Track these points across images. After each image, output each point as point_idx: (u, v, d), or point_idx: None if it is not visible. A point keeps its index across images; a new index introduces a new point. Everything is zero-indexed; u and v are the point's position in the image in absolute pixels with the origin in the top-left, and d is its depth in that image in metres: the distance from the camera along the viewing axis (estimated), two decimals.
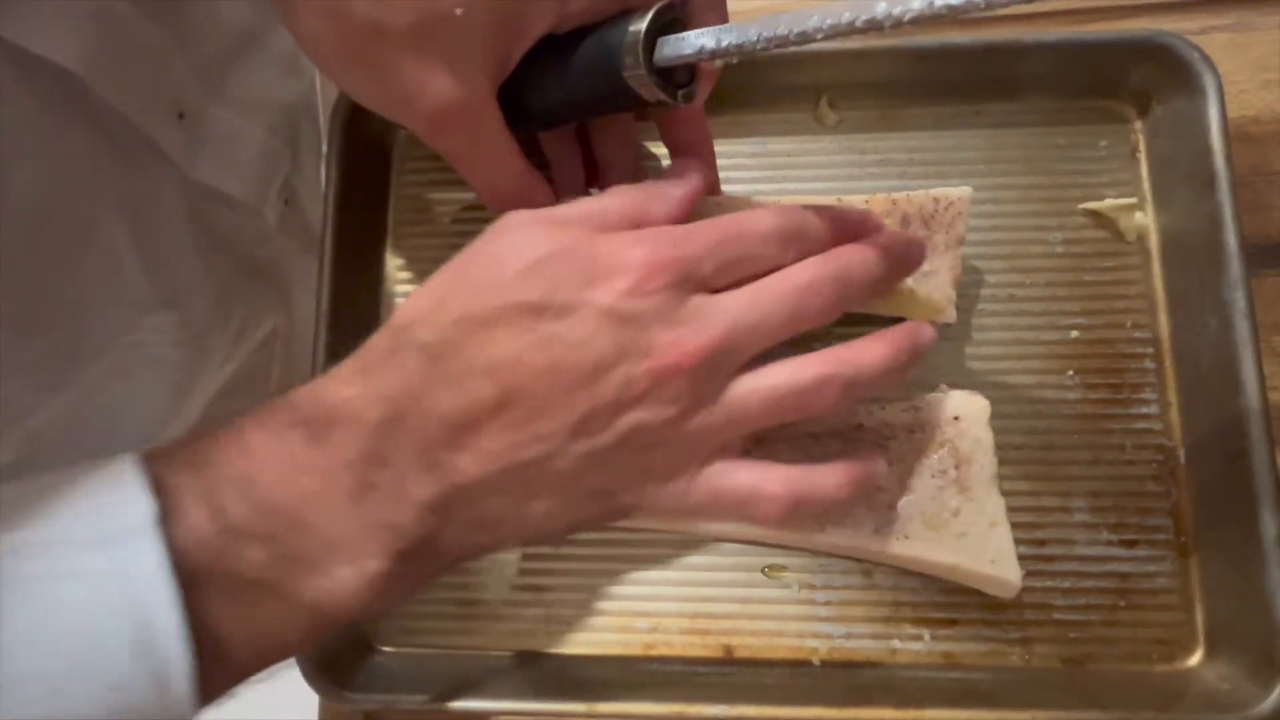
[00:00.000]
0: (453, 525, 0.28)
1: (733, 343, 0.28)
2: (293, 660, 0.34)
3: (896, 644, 0.34)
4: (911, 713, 0.32)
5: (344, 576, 0.26)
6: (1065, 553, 0.34)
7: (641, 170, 0.40)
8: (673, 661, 0.35)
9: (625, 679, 0.35)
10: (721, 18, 0.32)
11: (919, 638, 0.34)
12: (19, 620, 0.22)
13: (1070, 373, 0.36)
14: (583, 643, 0.36)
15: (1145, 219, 0.37)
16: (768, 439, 0.34)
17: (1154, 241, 0.37)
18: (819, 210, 0.30)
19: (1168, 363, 0.36)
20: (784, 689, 0.34)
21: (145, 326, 0.39)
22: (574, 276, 0.27)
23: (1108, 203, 0.37)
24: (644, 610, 0.36)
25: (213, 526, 0.25)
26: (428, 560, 0.28)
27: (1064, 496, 0.35)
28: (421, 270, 0.41)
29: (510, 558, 0.37)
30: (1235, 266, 0.34)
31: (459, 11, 0.29)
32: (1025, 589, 0.33)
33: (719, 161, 0.36)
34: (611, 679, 0.35)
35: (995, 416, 0.33)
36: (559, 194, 0.35)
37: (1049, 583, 0.34)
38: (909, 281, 0.34)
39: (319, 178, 0.52)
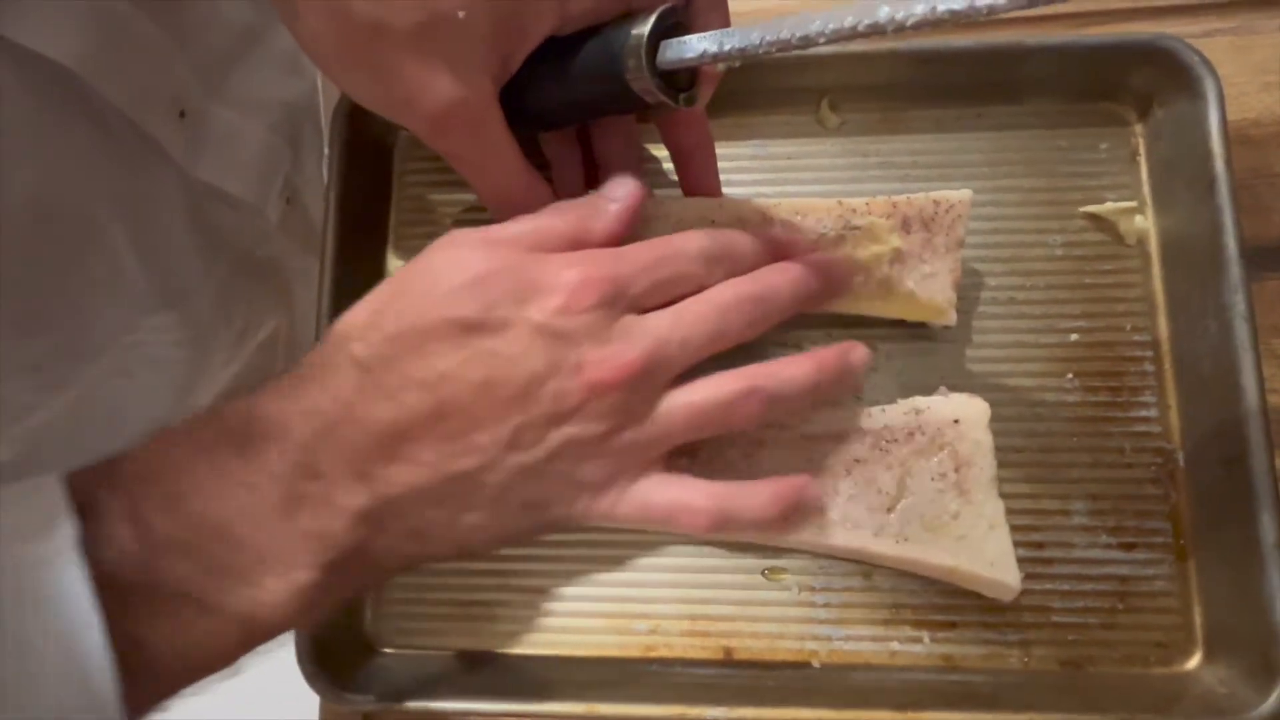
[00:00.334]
0: (384, 536, 0.28)
1: (660, 359, 0.29)
2: (293, 661, 0.34)
3: (896, 646, 0.34)
4: (910, 715, 0.32)
5: (273, 588, 0.26)
6: (1064, 555, 0.34)
7: (643, 171, 0.40)
8: (672, 663, 0.35)
9: (625, 681, 0.35)
10: (724, 20, 0.32)
11: (918, 640, 0.34)
12: None
13: (1070, 375, 0.36)
14: (582, 644, 0.36)
15: (1145, 222, 0.37)
16: (766, 442, 0.34)
17: (1154, 245, 0.37)
18: (747, 233, 0.32)
19: (1167, 366, 0.36)
20: (783, 691, 0.34)
21: (146, 326, 0.39)
22: (509, 294, 0.28)
23: (1108, 206, 0.37)
24: (643, 612, 0.36)
25: (138, 543, 0.25)
26: (358, 571, 0.28)
27: (1063, 499, 0.35)
28: None
29: (510, 559, 0.37)
30: (1235, 270, 0.34)
31: (462, 14, 0.29)
32: (1024, 591, 0.33)
33: (720, 164, 0.36)
34: (611, 681, 0.35)
35: (994, 419, 0.33)
36: (558, 194, 0.35)
37: (1048, 585, 0.34)
38: (909, 283, 0.34)
39: (321, 177, 0.51)
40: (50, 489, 0.25)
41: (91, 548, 0.24)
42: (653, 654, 0.35)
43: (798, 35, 0.26)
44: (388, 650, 0.37)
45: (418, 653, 0.37)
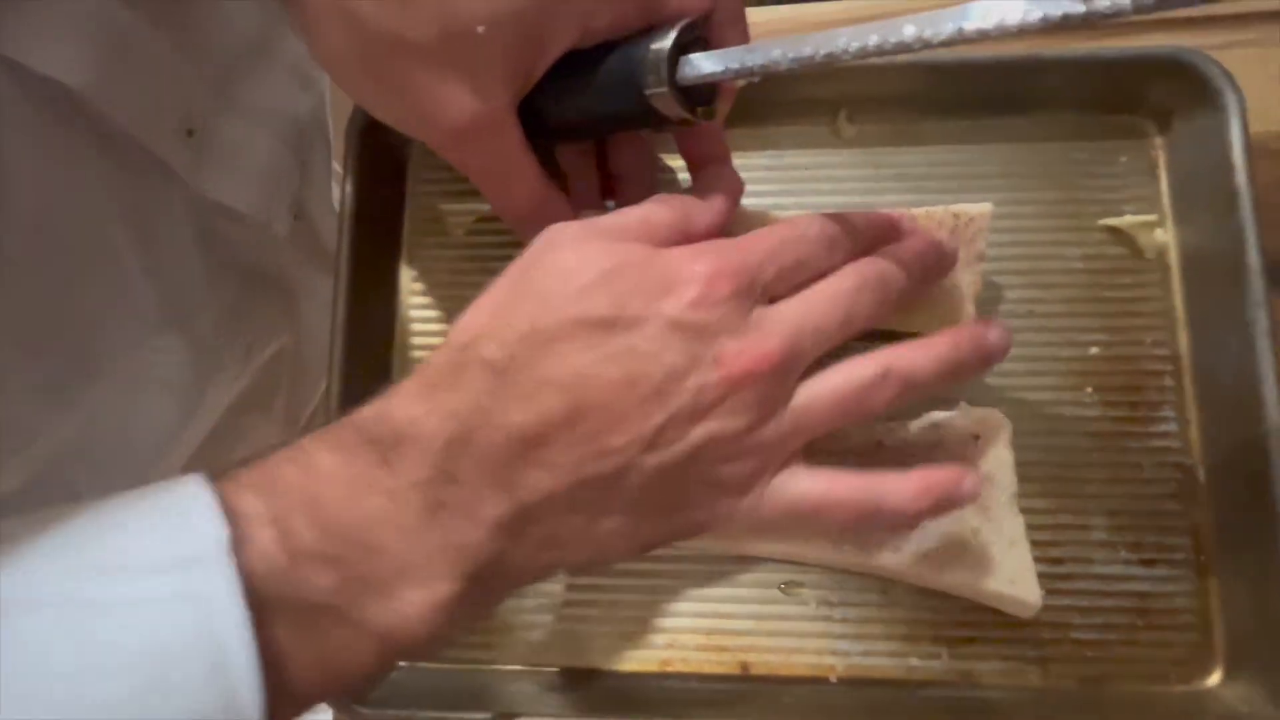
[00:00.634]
0: (523, 544, 0.27)
1: (797, 348, 0.28)
2: None
3: (914, 662, 0.34)
4: None
5: (414, 600, 0.25)
6: (1083, 571, 0.34)
7: (657, 182, 0.39)
8: (689, 678, 0.35)
9: (641, 695, 0.35)
10: (744, 36, 0.31)
11: (937, 656, 0.34)
12: (90, 646, 0.22)
13: (1089, 390, 0.36)
14: (598, 658, 0.36)
15: (1165, 236, 0.37)
16: None
17: (1174, 258, 0.37)
18: (856, 215, 0.31)
19: (1187, 381, 0.36)
20: (801, 706, 0.34)
21: (153, 344, 0.39)
22: (640, 290, 0.27)
23: (1128, 219, 0.37)
24: (660, 626, 0.36)
25: (282, 551, 0.24)
26: (497, 582, 0.27)
27: (1082, 515, 0.35)
28: (436, 282, 0.41)
29: None
30: (1257, 285, 0.33)
31: (481, 29, 0.28)
32: (1043, 608, 0.32)
33: None
34: (627, 695, 0.35)
35: (1013, 433, 0.33)
36: (574, 205, 0.35)
37: (1067, 601, 0.34)
38: (929, 297, 0.34)
39: (329, 191, 0.51)
40: (196, 489, 0.24)
41: (237, 553, 0.23)
42: (669, 668, 0.35)
43: (822, 53, 0.26)
44: (401, 664, 0.37)
45: (431, 666, 0.37)
